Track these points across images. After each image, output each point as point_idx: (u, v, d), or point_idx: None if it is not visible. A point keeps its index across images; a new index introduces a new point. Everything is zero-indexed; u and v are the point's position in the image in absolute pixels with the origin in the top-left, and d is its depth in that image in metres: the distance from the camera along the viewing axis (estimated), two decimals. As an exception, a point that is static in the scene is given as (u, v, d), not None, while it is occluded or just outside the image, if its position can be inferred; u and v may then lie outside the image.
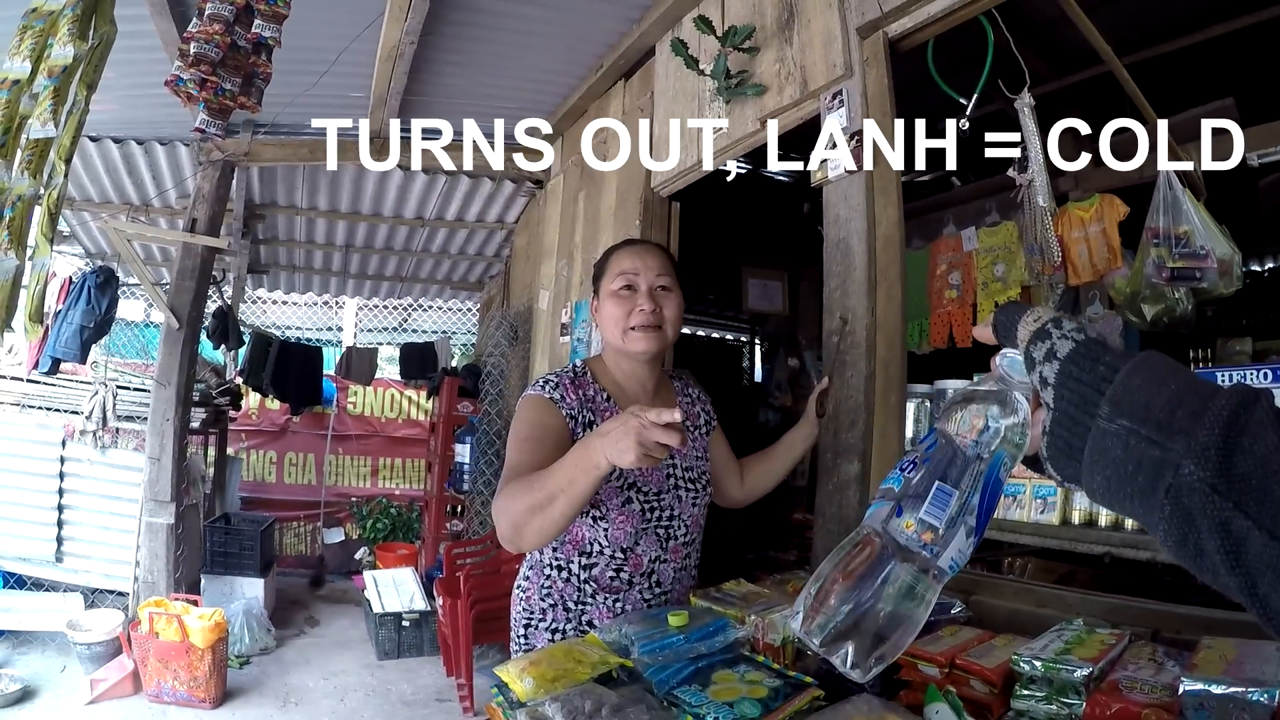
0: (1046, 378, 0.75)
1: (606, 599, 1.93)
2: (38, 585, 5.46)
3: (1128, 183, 3.84)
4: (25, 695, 4.52)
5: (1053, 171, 4.22)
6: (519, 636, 2.03)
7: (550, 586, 1.97)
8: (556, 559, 1.97)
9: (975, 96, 2.52)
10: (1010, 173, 2.74)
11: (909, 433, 2.39)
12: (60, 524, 5.48)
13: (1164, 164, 3.23)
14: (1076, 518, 2.09)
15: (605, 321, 2.03)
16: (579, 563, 1.94)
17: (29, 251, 2.94)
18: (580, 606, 1.94)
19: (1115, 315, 3.72)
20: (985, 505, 0.80)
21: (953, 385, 2.38)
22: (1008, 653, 1.42)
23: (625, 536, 1.90)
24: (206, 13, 2.94)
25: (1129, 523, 1.99)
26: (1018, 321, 0.82)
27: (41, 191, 2.97)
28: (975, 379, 0.91)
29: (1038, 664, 1.34)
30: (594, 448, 1.46)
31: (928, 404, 2.42)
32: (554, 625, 1.95)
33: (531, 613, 2.00)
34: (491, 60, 4.54)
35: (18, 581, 5.43)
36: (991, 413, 0.80)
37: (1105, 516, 2.05)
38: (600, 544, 1.92)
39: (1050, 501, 2.12)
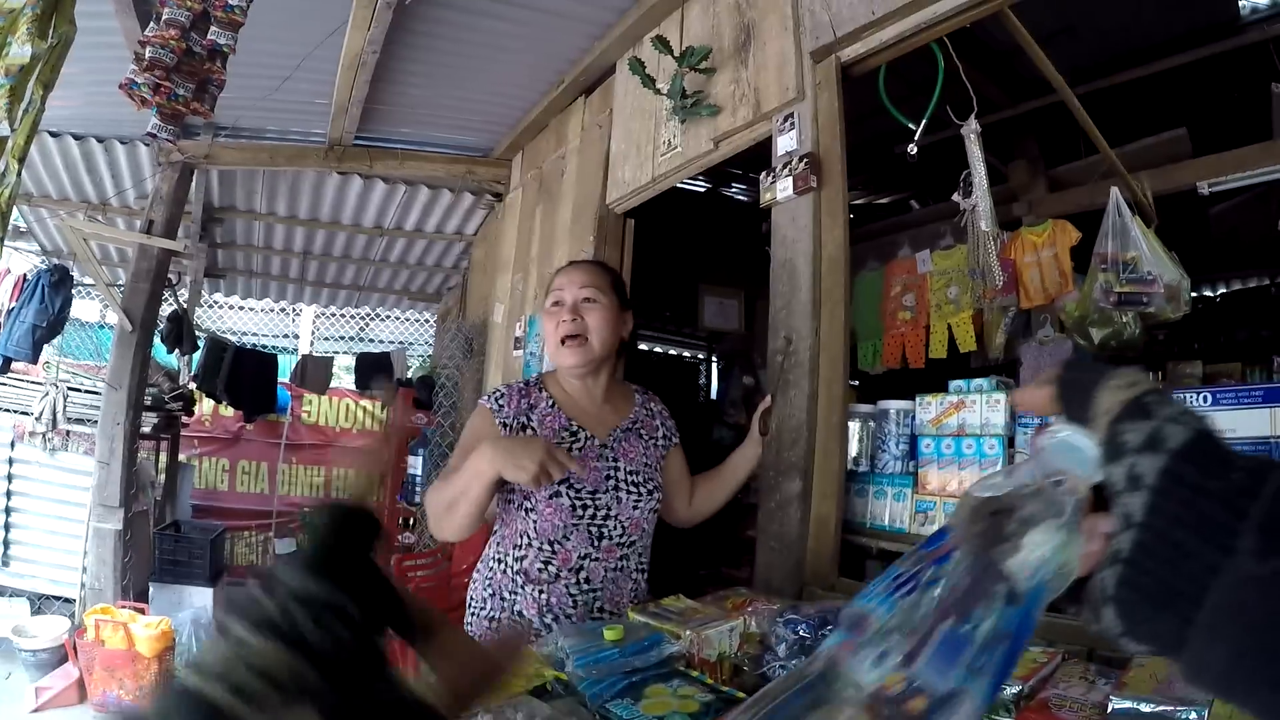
0: (1141, 475, 0.52)
1: (532, 590, 1.97)
2: (-18, 590, 5.36)
3: (1080, 208, 3.92)
4: (-34, 703, 4.44)
5: (1008, 196, 4.34)
6: (466, 625, 2.10)
7: (491, 577, 2.05)
8: (498, 552, 2.06)
9: (924, 122, 2.56)
10: (955, 197, 2.79)
11: (851, 451, 2.42)
12: (7, 527, 5.41)
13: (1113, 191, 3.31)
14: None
15: (545, 339, 2.17)
16: (513, 555, 2.01)
17: (-22, 249, 2.91)
18: (512, 596, 1.99)
19: (1065, 338, 3.79)
20: (1005, 661, 0.54)
21: (895, 406, 2.41)
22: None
23: (553, 530, 1.96)
24: (164, 17, 2.93)
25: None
26: (1096, 386, 0.59)
27: (-6, 189, 2.94)
28: (1012, 465, 0.67)
29: (967, 683, 1.34)
30: (484, 456, 1.71)
31: (870, 424, 2.44)
32: (490, 614, 2.02)
33: (475, 602, 2.08)
34: (454, 72, 4.54)
35: (-39, 586, 5.32)
36: (1037, 524, 0.56)
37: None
38: (530, 535, 1.98)
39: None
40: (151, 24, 3.04)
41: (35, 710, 4.44)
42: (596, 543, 1.99)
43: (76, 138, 5.51)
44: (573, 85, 4.41)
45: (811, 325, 2.40)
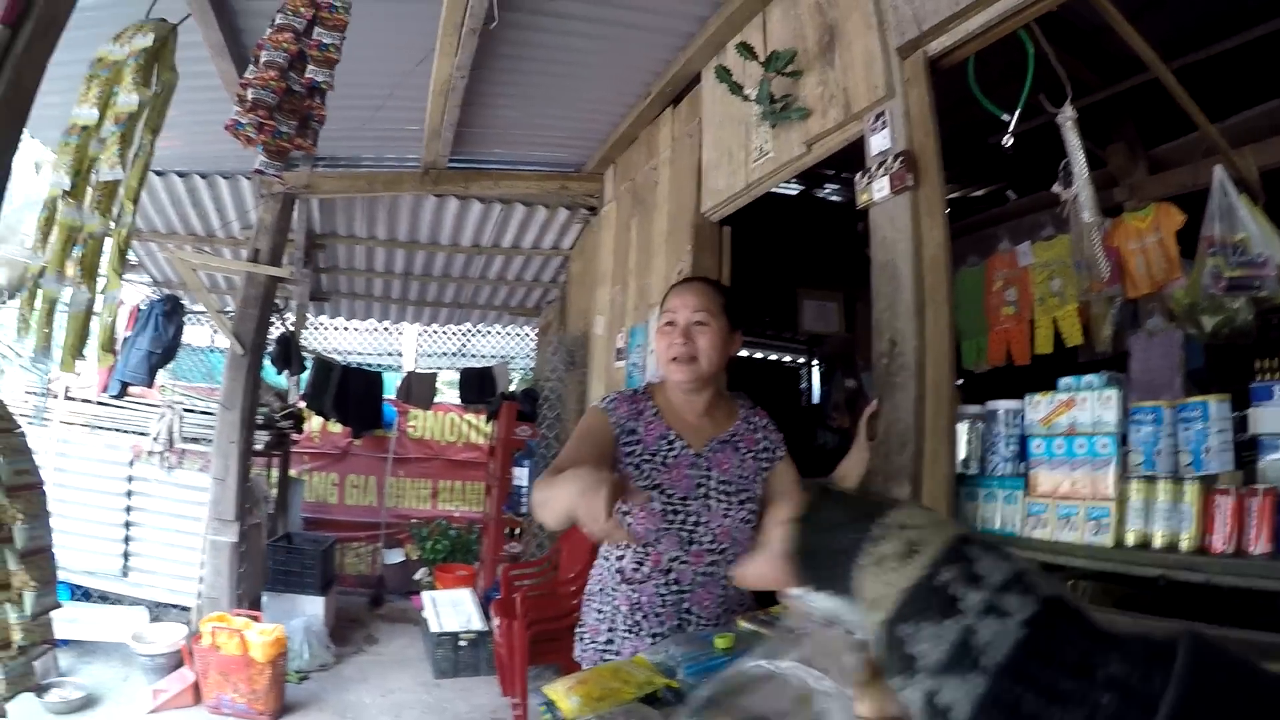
0: (949, 707, 0.37)
1: (627, 589, 2.09)
2: (103, 598, 5.67)
3: (1184, 190, 3.77)
4: (88, 703, 4.68)
5: (1108, 181, 4.19)
6: (583, 613, 2.25)
7: (600, 573, 2.20)
8: (605, 550, 2.19)
9: (1018, 111, 2.50)
10: (1055, 188, 2.71)
11: (960, 454, 2.37)
12: (127, 540, 5.68)
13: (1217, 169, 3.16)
14: (1131, 539, 2.04)
15: (657, 354, 2.26)
16: (614, 553, 2.14)
17: (100, 284, 3.09)
18: (612, 593, 2.12)
19: (1176, 327, 3.64)
20: None
21: (1003, 406, 2.34)
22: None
23: (646, 533, 2.06)
24: (262, 60, 3.04)
25: (1184, 544, 1.94)
26: (851, 560, 0.42)
27: (111, 228, 3.12)
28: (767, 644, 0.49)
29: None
30: (576, 486, 1.48)
31: (979, 425, 2.38)
32: (599, 607, 2.16)
33: (591, 594, 2.22)
34: (542, 91, 4.62)
35: (85, 594, 5.64)
36: None
37: (1160, 537, 1.99)
38: None
39: (1104, 523, 2.08)
40: (251, 67, 3.16)
41: (153, 711, 4.66)
42: (687, 547, 2.07)
43: (181, 175, 5.79)
44: (660, 96, 4.44)
45: (915, 327, 2.36)
